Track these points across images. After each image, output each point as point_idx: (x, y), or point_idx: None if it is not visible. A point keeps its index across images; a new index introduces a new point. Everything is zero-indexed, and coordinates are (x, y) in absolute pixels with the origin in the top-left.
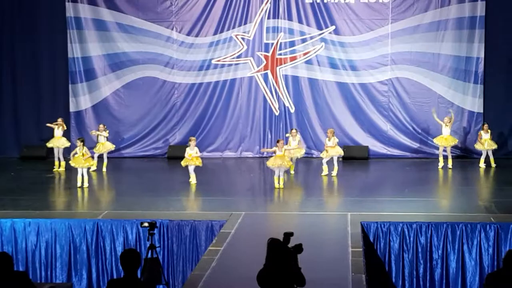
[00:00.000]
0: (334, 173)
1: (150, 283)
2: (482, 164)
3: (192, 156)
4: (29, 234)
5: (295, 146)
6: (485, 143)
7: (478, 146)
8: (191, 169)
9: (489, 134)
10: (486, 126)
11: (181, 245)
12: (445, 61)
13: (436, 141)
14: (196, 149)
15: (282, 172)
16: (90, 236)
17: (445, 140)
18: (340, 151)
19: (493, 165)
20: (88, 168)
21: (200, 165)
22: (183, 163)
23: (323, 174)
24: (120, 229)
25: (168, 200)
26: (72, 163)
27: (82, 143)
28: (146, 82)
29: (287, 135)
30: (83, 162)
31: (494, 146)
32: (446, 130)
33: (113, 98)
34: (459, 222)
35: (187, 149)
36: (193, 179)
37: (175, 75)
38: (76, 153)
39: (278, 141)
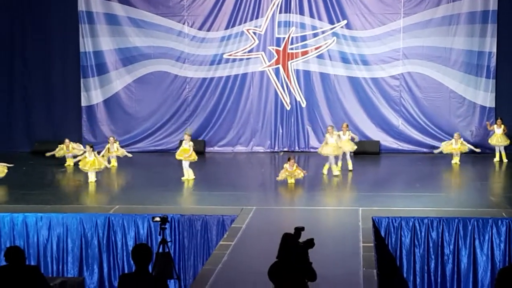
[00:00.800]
0: (350, 167)
1: (162, 278)
2: (497, 159)
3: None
4: (41, 229)
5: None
6: (496, 138)
7: (491, 141)
8: (186, 165)
9: (501, 129)
10: (499, 121)
11: (192, 240)
12: (457, 55)
13: (446, 150)
14: (191, 143)
15: (293, 180)
16: (102, 231)
17: (454, 150)
18: (353, 146)
19: (505, 160)
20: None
21: (195, 160)
22: (178, 156)
23: (335, 172)
24: (132, 223)
25: (179, 195)
26: (81, 167)
27: (91, 149)
28: (158, 77)
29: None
30: (91, 165)
31: (507, 142)
32: (457, 145)
33: (125, 92)
34: (470, 217)
35: (183, 143)
36: (190, 175)
37: (187, 69)
38: (79, 155)
39: (289, 159)
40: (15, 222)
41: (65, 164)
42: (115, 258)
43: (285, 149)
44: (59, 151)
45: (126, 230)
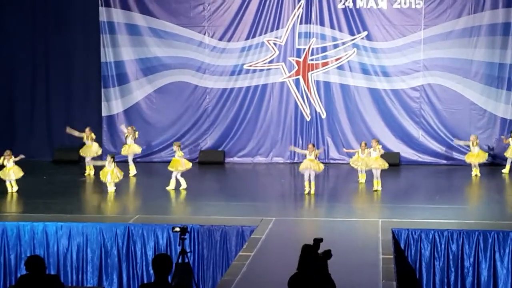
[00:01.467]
0: (378, 187)
1: None
2: (505, 170)
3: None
4: (61, 238)
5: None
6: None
7: (506, 154)
8: (178, 174)
9: None
10: None
11: (212, 250)
12: (478, 67)
13: (467, 159)
14: (181, 153)
15: (313, 176)
16: (121, 240)
17: (476, 156)
18: (383, 164)
19: None
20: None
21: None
22: (174, 168)
23: (360, 181)
24: (151, 233)
25: (199, 205)
26: (101, 176)
27: (112, 159)
28: (178, 87)
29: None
30: (115, 176)
31: None
32: (475, 149)
33: (145, 102)
34: (491, 230)
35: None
36: (183, 184)
37: (207, 80)
38: (103, 165)
39: (309, 145)
40: (35, 231)
41: (85, 174)
42: (135, 268)
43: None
44: (81, 135)
45: (146, 240)
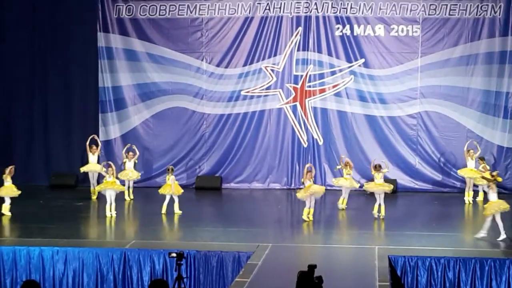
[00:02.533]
0: (382, 213)
1: None
2: (479, 198)
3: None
4: (57, 263)
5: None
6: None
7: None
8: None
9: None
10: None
11: (208, 276)
12: (475, 95)
13: (461, 172)
14: (173, 177)
15: (313, 202)
16: (117, 266)
17: (470, 171)
18: (387, 187)
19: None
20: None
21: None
22: (168, 191)
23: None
24: (148, 259)
25: (195, 231)
26: (99, 188)
27: (112, 171)
28: (176, 112)
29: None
30: (112, 186)
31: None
32: (471, 163)
33: (142, 127)
34: (487, 257)
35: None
36: (176, 209)
37: (204, 105)
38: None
39: (306, 166)
40: (32, 255)
41: (91, 197)
42: None
43: (302, 187)
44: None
45: (142, 266)
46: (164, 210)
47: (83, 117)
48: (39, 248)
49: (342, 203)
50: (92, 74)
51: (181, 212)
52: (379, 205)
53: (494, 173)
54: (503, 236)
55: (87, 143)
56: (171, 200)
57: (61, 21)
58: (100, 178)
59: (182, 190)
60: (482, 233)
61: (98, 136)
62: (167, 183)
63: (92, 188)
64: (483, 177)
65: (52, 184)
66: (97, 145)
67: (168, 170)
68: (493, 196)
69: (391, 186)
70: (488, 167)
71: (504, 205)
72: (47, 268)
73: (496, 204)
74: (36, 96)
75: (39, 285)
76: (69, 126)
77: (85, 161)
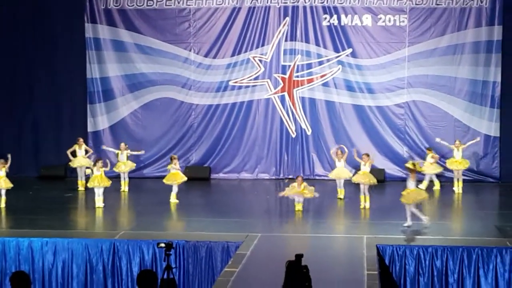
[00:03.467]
0: (366, 203)
1: None
2: (422, 186)
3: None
4: (46, 253)
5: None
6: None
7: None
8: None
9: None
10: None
11: (197, 266)
12: (462, 84)
13: (449, 165)
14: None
15: (301, 199)
16: (107, 256)
17: (458, 163)
18: (371, 179)
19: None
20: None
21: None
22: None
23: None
24: (137, 249)
25: (184, 221)
26: (90, 184)
27: (101, 164)
28: (164, 103)
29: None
30: (100, 182)
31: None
32: (458, 154)
33: (131, 118)
34: (475, 246)
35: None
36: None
37: (193, 96)
38: (92, 172)
39: (297, 178)
40: (21, 247)
41: (78, 189)
42: (120, 284)
43: (290, 176)
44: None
45: (131, 256)
46: (173, 199)
47: (71, 108)
48: (28, 239)
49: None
50: (80, 65)
51: (177, 201)
52: (364, 195)
53: (416, 163)
54: (409, 223)
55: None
56: (170, 189)
57: (49, 12)
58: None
59: (186, 178)
60: (408, 223)
61: (86, 127)
62: (171, 172)
63: (80, 180)
64: (406, 167)
65: (41, 175)
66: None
67: (172, 159)
68: (411, 184)
69: (375, 180)
70: (438, 156)
71: (422, 195)
72: (36, 259)
73: (414, 193)
74: (24, 87)
75: (28, 276)
76: (58, 117)
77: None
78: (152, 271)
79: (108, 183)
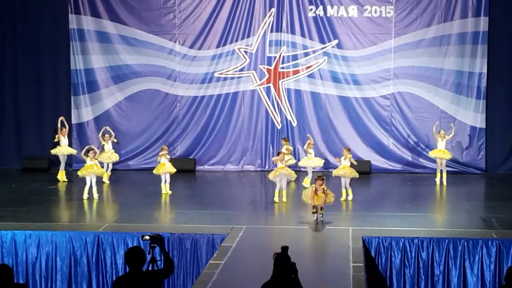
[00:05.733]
0: (349, 197)
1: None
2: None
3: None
4: (30, 246)
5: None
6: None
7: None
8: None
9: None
10: None
11: (182, 259)
12: (448, 76)
13: (432, 154)
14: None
15: (284, 184)
16: (91, 249)
17: (441, 153)
18: (351, 173)
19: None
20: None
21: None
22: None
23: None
24: (121, 242)
25: (169, 213)
26: (81, 172)
27: (93, 154)
28: (149, 95)
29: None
30: (94, 170)
31: None
32: (441, 144)
33: (115, 110)
34: (460, 237)
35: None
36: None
37: (178, 87)
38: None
39: (278, 153)
40: (4, 239)
41: (60, 180)
42: (104, 276)
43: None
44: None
45: (116, 249)
46: (164, 190)
47: (55, 100)
48: (12, 232)
49: (306, 182)
50: (63, 56)
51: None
52: (346, 189)
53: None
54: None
55: (58, 125)
56: (155, 181)
57: (32, 2)
58: (71, 161)
59: (175, 170)
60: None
61: (70, 119)
62: (161, 163)
63: (60, 170)
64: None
65: (24, 167)
66: (65, 127)
67: (163, 149)
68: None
69: (356, 174)
70: (291, 148)
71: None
72: (19, 252)
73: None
74: (7, 78)
75: (11, 270)
76: (41, 109)
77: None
78: (140, 247)
79: (101, 171)
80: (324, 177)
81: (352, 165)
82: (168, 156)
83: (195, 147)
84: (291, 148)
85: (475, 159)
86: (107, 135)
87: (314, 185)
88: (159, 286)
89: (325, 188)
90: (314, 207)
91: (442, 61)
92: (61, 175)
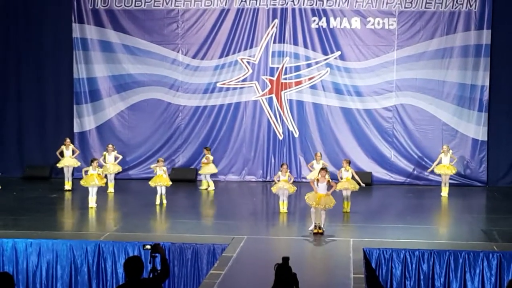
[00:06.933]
0: (347, 208)
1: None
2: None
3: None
4: (31, 255)
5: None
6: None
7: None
8: (163, 190)
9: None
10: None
11: (182, 268)
12: (450, 88)
13: (437, 170)
14: (164, 169)
15: (285, 196)
16: (92, 258)
17: (446, 168)
18: (354, 186)
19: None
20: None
21: (168, 185)
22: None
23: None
24: (122, 251)
25: (170, 223)
26: (83, 182)
27: (96, 164)
28: (151, 104)
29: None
30: (96, 182)
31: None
32: (445, 159)
33: (118, 119)
34: (461, 250)
35: (157, 170)
36: (164, 200)
37: (180, 97)
38: (86, 171)
39: (282, 165)
40: (5, 247)
41: (64, 189)
42: (105, 285)
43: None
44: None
45: (116, 258)
46: (158, 201)
47: (57, 109)
48: (13, 240)
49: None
50: (66, 65)
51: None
52: (347, 201)
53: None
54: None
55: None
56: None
57: (36, 11)
58: (75, 172)
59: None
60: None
61: (72, 128)
62: (157, 174)
63: (67, 181)
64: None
65: (25, 175)
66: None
67: (159, 161)
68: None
69: (357, 186)
70: (211, 158)
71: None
72: (20, 260)
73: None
74: (10, 87)
75: (12, 277)
76: (44, 118)
77: (59, 154)
78: (139, 257)
79: (103, 182)
80: (327, 169)
81: (353, 178)
82: (165, 168)
83: (196, 157)
84: (211, 157)
85: (476, 172)
86: (110, 146)
87: (317, 176)
88: None
89: (330, 180)
90: (315, 227)
91: (444, 73)
92: (67, 184)
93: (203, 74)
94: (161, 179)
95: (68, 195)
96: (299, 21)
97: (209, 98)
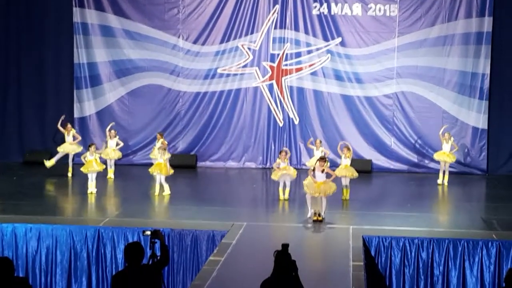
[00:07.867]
0: (346, 196)
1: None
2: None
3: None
4: (30, 240)
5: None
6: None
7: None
8: (162, 179)
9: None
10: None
11: (182, 255)
12: (451, 76)
13: (436, 156)
14: (165, 157)
15: (288, 182)
16: (91, 243)
17: (445, 155)
18: (352, 173)
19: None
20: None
21: (169, 174)
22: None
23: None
24: (121, 236)
25: (170, 209)
26: (83, 169)
27: (94, 148)
28: (151, 90)
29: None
30: (95, 167)
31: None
32: (446, 147)
33: (118, 104)
34: (461, 238)
35: (158, 156)
36: (166, 190)
37: (180, 83)
38: (85, 157)
39: (281, 152)
40: (4, 232)
41: (66, 175)
42: (104, 271)
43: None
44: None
45: (116, 243)
46: (157, 191)
47: (57, 93)
48: (12, 225)
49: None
50: (67, 50)
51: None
52: (346, 188)
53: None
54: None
55: (59, 124)
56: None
57: None
58: (75, 157)
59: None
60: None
61: (72, 113)
62: (158, 161)
63: (70, 167)
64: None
65: (25, 160)
66: (67, 125)
67: (162, 144)
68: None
69: (356, 174)
70: (166, 143)
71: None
72: (20, 245)
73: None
74: (10, 72)
75: (12, 263)
76: (44, 102)
77: (59, 139)
78: (139, 243)
79: (101, 167)
80: (327, 159)
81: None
82: (169, 154)
83: (196, 143)
84: (166, 142)
85: (476, 160)
86: (112, 132)
87: (314, 165)
88: (158, 279)
89: (327, 171)
90: (314, 214)
91: (445, 61)
92: (69, 171)
93: (203, 59)
94: (159, 167)
95: (68, 181)
96: (300, 7)
97: (209, 84)
